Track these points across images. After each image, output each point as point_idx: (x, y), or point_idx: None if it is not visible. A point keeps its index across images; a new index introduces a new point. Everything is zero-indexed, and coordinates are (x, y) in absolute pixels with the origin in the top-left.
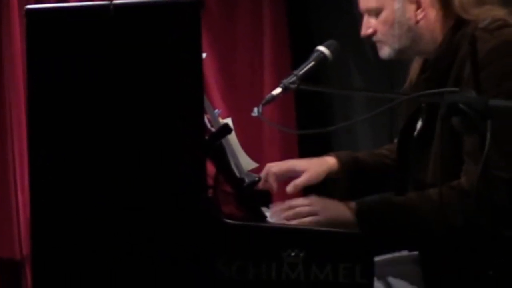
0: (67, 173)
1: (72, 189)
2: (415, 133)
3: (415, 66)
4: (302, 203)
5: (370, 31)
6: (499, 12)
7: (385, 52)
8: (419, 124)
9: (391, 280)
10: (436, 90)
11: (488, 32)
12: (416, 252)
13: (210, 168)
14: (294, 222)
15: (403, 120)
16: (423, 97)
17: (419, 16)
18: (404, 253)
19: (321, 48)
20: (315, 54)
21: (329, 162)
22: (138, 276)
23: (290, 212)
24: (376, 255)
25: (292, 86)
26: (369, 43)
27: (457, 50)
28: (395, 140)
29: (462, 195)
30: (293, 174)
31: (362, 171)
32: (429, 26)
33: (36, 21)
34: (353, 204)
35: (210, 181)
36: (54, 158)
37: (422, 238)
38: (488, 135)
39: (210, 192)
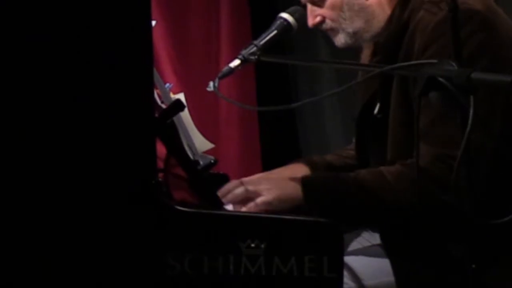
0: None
1: (9, 177)
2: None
3: (366, 53)
4: (236, 184)
5: (318, 19)
6: None
7: (340, 39)
8: (376, 110)
9: (359, 270)
10: (414, 62)
11: (436, 5)
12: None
13: (161, 150)
14: (243, 208)
15: (358, 108)
16: (399, 70)
17: None
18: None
19: (285, 15)
20: (277, 22)
21: (301, 172)
22: (81, 270)
23: (229, 195)
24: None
25: (252, 57)
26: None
27: (407, 26)
28: None
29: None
30: None
31: None
32: (380, 2)
33: None
34: (299, 178)
35: (161, 164)
36: None
37: (370, 214)
38: (471, 111)
39: (160, 176)
